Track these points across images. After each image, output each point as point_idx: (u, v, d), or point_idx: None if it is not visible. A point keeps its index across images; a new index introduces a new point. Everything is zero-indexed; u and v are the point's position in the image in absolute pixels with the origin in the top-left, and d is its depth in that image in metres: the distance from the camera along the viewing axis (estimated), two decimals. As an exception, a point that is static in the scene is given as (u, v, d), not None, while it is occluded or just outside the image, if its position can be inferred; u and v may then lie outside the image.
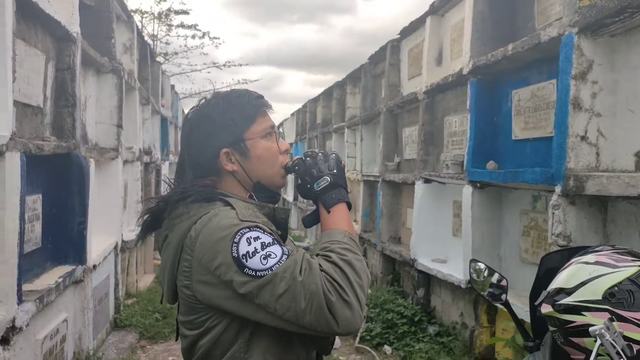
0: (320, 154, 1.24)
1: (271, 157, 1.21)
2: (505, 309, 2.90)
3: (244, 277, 1.01)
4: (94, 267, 3.90)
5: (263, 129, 1.20)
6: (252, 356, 1.09)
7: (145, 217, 1.21)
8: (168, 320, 4.92)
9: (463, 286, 3.94)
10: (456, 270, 4.12)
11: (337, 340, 4.59)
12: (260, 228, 1.06)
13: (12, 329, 2.44)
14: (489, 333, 3.82)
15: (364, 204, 7.01)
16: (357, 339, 4.53)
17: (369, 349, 4.32)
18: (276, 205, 1.19)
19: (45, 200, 3.32)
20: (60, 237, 3.48)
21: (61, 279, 3.17)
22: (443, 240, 4.74)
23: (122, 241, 5.07)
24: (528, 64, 3.32)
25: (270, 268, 1.01)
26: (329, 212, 1.18)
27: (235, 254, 1.02)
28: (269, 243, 1.04)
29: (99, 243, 4.22)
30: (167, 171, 8.94)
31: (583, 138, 2.52)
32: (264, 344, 1.09)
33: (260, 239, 1.04)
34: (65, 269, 3.40)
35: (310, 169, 1.21)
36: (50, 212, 3.39)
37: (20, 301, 2.53)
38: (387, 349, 4.36)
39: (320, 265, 1.04)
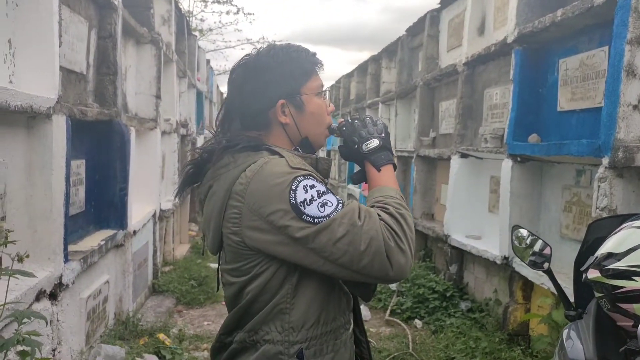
0: (368, 118, 1.27)
1: (322, 115, 1.23)
2: (542, 285, 2.84)
3: (301, 224, 1.04)
4: (134, 232, 4.03)
5: (317, 86, 1.22)
6: (297, 302, 1.11)
7: (188, 168, 1.21)
8: (203, 288, 5.07)
9: (498, 262, 3.87)
10: (492, 247, 4.05)
11: (368, 312, 4.62)
12: (313, 177, 1.09)
13: (59, 285, 2.56)
14: (524, 310, 3.75)
15: (398, 180, 6.85)
16: (388, 311, 4.55)
17: (400, 322, 4.34)
18: (318, 156, 1.21)
19: (88, 165, 3.43)
20: (103, 202, 3.60)
21: (103, 242, 3.29)
22: (478, 217, 4.65)
23: (160, 210, 5.22)
24: (578, 31, 3.15)
25: (328, 215, 1.04)
26: (379, 171, 1.21)
27: (293, 201, 1.04)
28: (324, 191, 1.07)
29: (139, 210, 4.34)
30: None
31: (635, 107, 2.39)
32: (310, 290, 1.12)
33: (315, 187, 1.06)
34: (107, 232, 3.53)
35: (359, 131, 1.24)
36: (93, 178, 3.51)
37: (66, 260, 2.64)
38: (418, 322, 4.36)
39: (378, 214, 1.08)
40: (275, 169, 1.08)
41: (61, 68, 2.80)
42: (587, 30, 3.09)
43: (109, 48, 3.59)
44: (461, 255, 4.77)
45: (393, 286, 4.92)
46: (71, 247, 2.97)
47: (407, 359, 3.63)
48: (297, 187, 1.05)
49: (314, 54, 1.23)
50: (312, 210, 1.04)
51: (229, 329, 1.18)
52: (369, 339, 1.37)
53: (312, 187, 1.06)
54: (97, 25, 3.55)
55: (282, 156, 1.12)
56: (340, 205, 1.06)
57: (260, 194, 1.06)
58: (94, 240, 3.33)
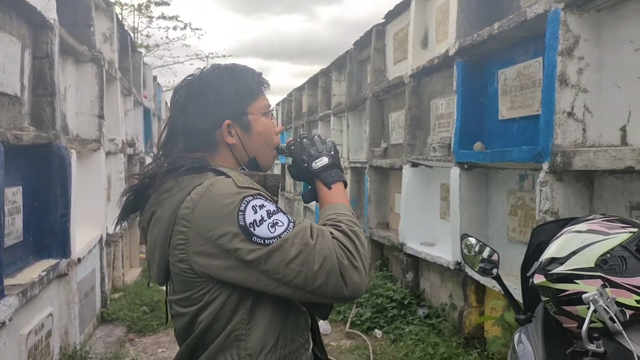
0: (317, 136, 1.27)
1: (269, 135, 1.22)
2: (494, 287, 2.92)
3: (251, 246, 1.01)
4: (79, 260, 3.83)
5: (264, 106, 1.21)
6: (253, 327, 1.07)
7: (128, 195, 1.16)
8: (156, 313, 4.87)
9: (452, 267, 3.96)
10: (444, 253, 4.14)
11: (328, 326, 4.59)
12: (262, 196, 1.06)
13: (-5, 323, 2.38)
14: (478, 313, 3.85)
15: (352, 190, 7.00)
16: (348, 324, 4.54)
17: (360, 333, 4.33)
18: (266, 173, 1.19)
19: (25, 192, 3.23)
20: (43, 230, 3.40)
21: (45, 273, 3.10)
22: (431, 224, 4.75)
23: (107, 234, 4.99)
24: (514, 43, 3.31)
25: (279, 235, 1.02)
26: (329, 188, 1.20)
27: (242, 222, 1.01)
28: (274, 211, 1.04)
29: (84, 236, 4.14)
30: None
31: (570, 114, 2.52)
32: (266, 313, 1.08)
33: (265, 206, 1.04)
34: (49, 262, 3.33)
35: (308, 149, 1.23)
36: (31, 205, 3.31)
37: (2, 295, 2.46)
38: (378, 332, 4.37)
39: (331, 232, 1.06)
40: (223, 189, 1.05)
41: (-9, 90, 2.63)
42: (522, 42, 3.25)
43: (45, 68, 3.42)
44: (416, 263, 4.85)
45: (352, 298, 4.92)
46: (8, 281, 2.77)
47: (368, 371, 3.62)
48: (245, 207, 1.02)
49: (260, 74, 1.22)
50: (262, 231, 1.01)
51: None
52: (329, 357, 1.34)
53: (261, 207, 1.03)
54: (32, 45, 3.37)
55: (228, 176, 1.08)
56: (291, 224, 1.04)
57: (207, 217, 1.02)
58: (34, 271, 3.13)
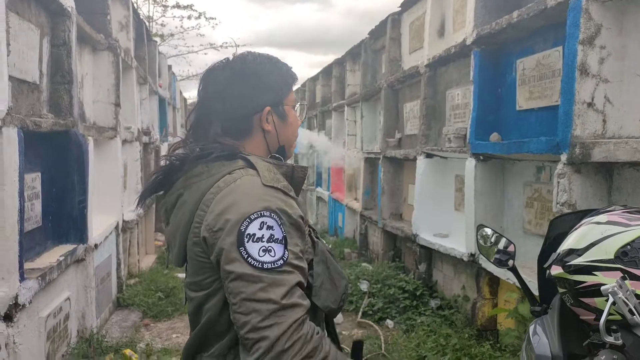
0: None
1: (297, 127, 1.27)
2: (508, 280, 2.90)
3: (234, 254, 1.00)
4: (96, 246, 3.89)
5: (295, 100, 1.25)
6: None
7: (156, 175, 1.18)
8: (171, 299, 4.94)
9: (465, 259, 3.94)
10: (458, 244, 4.12)
11: (340, 315, 4.61)
12: (279, 216, 1.03)
13: (15, 306, 2.44)
14: (491, 305, 3.83)
15: (365, 181, 6.99)
16: (360, 313, 4.56)
17: (372, 323, 4.35)
18: (295, 164, 1.20)
19: (44, 178, 3.29)
20: (61, 216, 3.46)
21: (63, 258, 3.16)
22: (445, 215, 4.72)
23: (123, 221, 5.06)
24: (533, 32, 3.25)
25: (262, 264, 0.99)
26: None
27: (242, 228, 1.00)
28: (277, 239, 1.02)
29: (100, 223, 4.20)
30: (166, 152, 8.86)
31: (590, 105, 2.47)
32: None
33: (272, 229, 1.02)
34: (67, 247, 3.39)
35: None
36: (50, 191, 3.37)
37: (22, 278, 2.52)
38: (389, 323, 4.38)
39: (303, 323, 1.00)
40: (248, 190, 1.05)
41: (11, 78, 2.67)
42: (542, 31, 3.18)
43: (63, 56, 3.46)
44: (429, 254, 4.83)
45: (364, 287, 4.94)
46: (28, 265, 2.84)
47: (380, 361, 3.64)
48: (255, 218, 1.01)
49: (291, 68, 1.26)
50: (251, 247, 1.00)
51: (192, 351, 1.14)
52: (342, 346, 1.35)
53: (269, 227, 1.01)
54: (50, 33, 3.41)
55: (255, 169, 1.09)
56: (280, 261, 1.00)
57: (221, 206, 1.04)
58: (53, 256, 3.19)
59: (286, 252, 1.02)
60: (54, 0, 3.21)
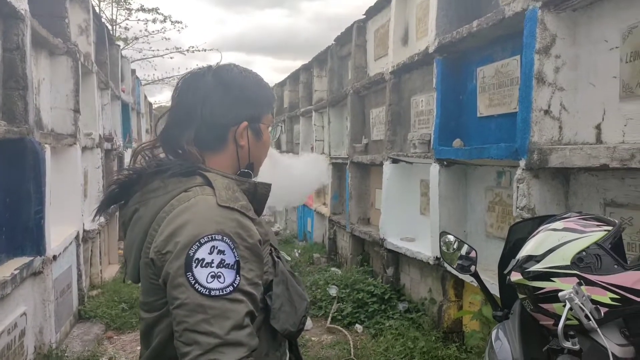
0: None
1: (266, 147, 1.25)
2: (472, 282, 2.95)
3: (181, 279, 0.95)
4: (54, 257, 3.73)
5: (270, 120, 1.24)
6: None
7: (113, 188, 1.13)
8: (135, 310, 4.80)
9: (431, 263, 4.00)
10: (424, 248, 4.18)
11: (309, 322, 4.59)
12: (232, 240, 0.98)
13: (-35, 323, 2.31)
14: (457, 307, 3.90)
15: (333, 186, 7.01)
16: (329, 319, 4.55)
17: (341, 329, 4.35)
18: (257, 181, 1.16)
19: (-3, 188, 3.14)
20: (16, 227, 3.31)
21: (17, 271, 3.02)
22: (411, 220, 4.79)
23: (84, 231, 4.89)
24: (492, 41, 3.34)
25: (209, 290, 0.94)
26: None
27: (191, 252, 0.95)
28: (228, 264, 0.96)
29: (59, 233, 4.04)
30: (129, 159, 8.64)
31: (546, 112, 2.56)
32: None
33: (223, 254, 0.96)
34: (23, 260, 3.24)
35: None
36: (3, 201, 3.22)
37: (-28, 294, 2.39)
38: (358, 327, 4.40)
39: None
40: (202, 213, 1.00)
41: (-41, 83, 2.54)
42: (501, 40, 3.28)
43: (16, 61, 3.31)
44: (397, 258, 4.88)
45: (333, 292, 4.95)
46: (-21, 280, 2.70)
47: (349, 366, 3.64)
48: (205, 242, 0.96)
49: (272, 88, 1.27)
50: (199, 273, 0.94)
51: None
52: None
53: (220, 252, 0.96)
54: (2, 37, 3.26)
55: (213, 188, 1.05)
56: (230, 288, 0.95)
57: (171, 227, 1.00)
58: (7, 269, 3.04)
59: (237, 278, 0.97)
60: (5, 3, 3.08)
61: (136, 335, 4.42)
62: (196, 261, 0.95)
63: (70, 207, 4.50)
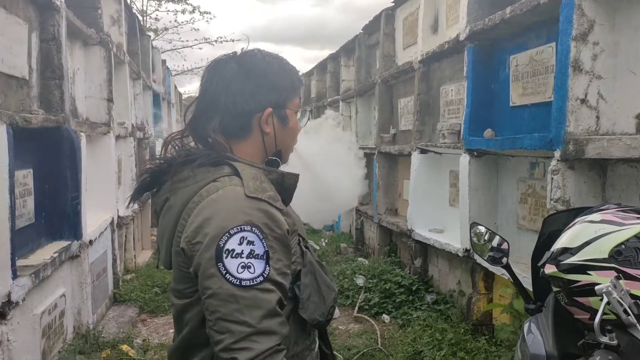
0: None
1: (295, 133, 1.22)
2: (503, 275, 2.90)
3: (212, 269, 0.97)
4: (90, 242, 3.87)
5: (297, 105, 1.21)
6: None
7: (144, 177, 1.15)
8: (167, 295, 4.93)
9: (460, 255, 3.95)
10: (453, 240, 4.13)
11: (337, 310, 4.62)
12: (261, 230, 0.99)
13: (8, 303, 2.42)
14: (487, 300, 3.85)
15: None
16: (356, 308, 4.57)
17: (368, 318, 4.36)
18: (285, 171, 1.15)
19: (36, 175, 3.26)
20: (54, 212, 3.44)
21: (57, 254, 3.14)
22: (440, 211, 4.73)
23: (119, 217, 5.04)
24: (526, 28, 3.24)
25: (240, 280, 0.96)
26: None
27: (221, 243, 0.97)
28: (258, 255, 0.98)
29: (95, 219, 4.18)
30: (160, 148, 8.81)
31: (583, 101, 2.47)
32: None
33: (253, 244, 0.98)
34: (61, 244, 3.37)
35: None
36: (42, 188, 3.34)
37: (15, 276, 2.50)
38: (385, 317, 4.40)
39: (277, 354, 0.96)
40: (229, 202, 1.01)
41: None
42: (535, 27, 3.18)
43: (52, 51, 3.42)
44: (425, 249, 4.85)
45: (360, 282, 4.96)
46: (21, 262, 2.82)
47: (376, 355, 3.65)
48: (235, 233, 0.97)
49: (299, 72, 1.24)
50: (229, 264, 0.96)
51: (177, 358, 1.12)
52: (334, 352, 1.34)
53: (249, 243, 0.97)
54: (39, 28, 3.36)
55: (241, 178, 1.05)
56: (260, 278, 0.96)
57: (201, 217, 1.01)
58: (47, 252, 3.17)
59: (267, 268, 0.98)
60: (43, -6, 3.17)
61: (168, 319, 4.55)
62: (226, 252, 0.96)
63: (105, 194, 4.64)
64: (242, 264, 0.96)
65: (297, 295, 1.08)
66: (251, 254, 0.97)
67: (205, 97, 1.16)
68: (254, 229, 0.98)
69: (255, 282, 0.96)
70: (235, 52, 1.18)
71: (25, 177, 3.10)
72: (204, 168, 1.08)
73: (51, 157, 3.39)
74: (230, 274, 0.96)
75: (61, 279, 3.32)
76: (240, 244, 0.97)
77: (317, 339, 1.20)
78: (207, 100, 1.15)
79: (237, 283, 0.95)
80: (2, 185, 2.39)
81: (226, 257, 0.96)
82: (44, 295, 3.00)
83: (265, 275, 0.97)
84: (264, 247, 0.99)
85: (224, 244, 0.97)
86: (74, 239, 3.49)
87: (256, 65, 1.14)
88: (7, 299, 2.40)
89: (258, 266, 0.97)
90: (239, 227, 0.98)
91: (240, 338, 0.94)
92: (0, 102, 2.40)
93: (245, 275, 0.96)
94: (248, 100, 1.12)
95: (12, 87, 2.99)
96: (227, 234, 0.97)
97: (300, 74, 1.28)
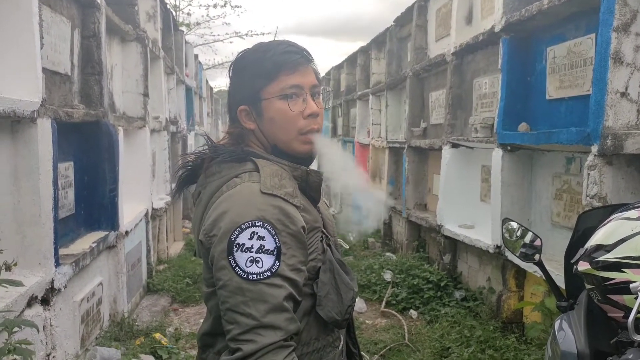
0: None
1: (285, 121, 1.11)
2: (535, 272, 2.85)
3: (223, 261, 1.00)
4: (126, 233, 4.00)
5: (280, 89, 1.10)
6: None
7: (183, 171, 1.20)
8: (198, 285, 5.06)
9: (491, 251, 3.89)
10: (484, 236, 4.07)
11: (364, 304, 4.64)
12: (273, 226, 1.01)
13: (51, 290, 2.54)
14: (517, 298, 3.79)
15: (389, 171, 6.95)
16: (383, 303, 4.57)
17: (395, 313, 4.36)
18: (309, 168, 1.15)
19: (76, 167, 3.39)
20: (93, 203, 3.57)
21: (95, 244, 3.27)
22: (470, 206, 4.67)
23: (153, 209, 5.18)
24: (564, 19, 3.15)
25: (247, 274, 0.98)
26: None
27: (232, 237, 1.00)
28: (267, 250, 1.00)
29: (130, 210, 4.31)
30: (193, 142, 9.02)
31: (623, 94, 2.39)
32: None
33: (263, 239, 1.00)
34: (99, 234, 3.50)
35: None
36: (82, 180, 3.48)
37: (57, 264, 2.62)
38: (413, 313, 4.38)
39: (281, 349, 0.97)
40: (244, 198, 1.03)
41: (45, 70, 2.76)
42: (573, 18, 3.08)
43: (93, 47, 3.54)
44: (454, 245, 4.79)
45: (388, 277, 4.95)
46: (62, 251, 2.94)
47: (403, 350, 3.65)
48: (246, 228, 1.00)
49: (286, 51, 1.11)
50: (239, 257, 0.99)
51: (202, 344, 1.16)
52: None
53: (260, 238, 0.99)
54: (80, 25, 3.49)
55: (259, 174, 1.07)
56: (267, 273, 0.98)
57: (217, 212, 1.04)
58: (86, 242, 3.30)
59: (277, 263, 1.00)
60: (84, -7, 3.28)
61: (199, 309, 4.67)
62: (237, 246, 0.99)
63: (140, 186, 4.78)
64: (251, 258, 0.99)
65: (314, 293, 1.09)
66: (260, 249, 0.99)
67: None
68: (265, 224, 1.00)
69: (262, 277, 0.98)
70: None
71: (67, 169, 3.23)
72: (229, 164, 1.11)
73: (90, 150, 3.52)
74: (239, 267, 0.99)
75: (99, 268, 3.45)
76: (251, 238, 0.99)
77: (342, 337, 1.19)
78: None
79: (245, 276, 0.98)
80: (47, 177, 2.50)
81: (236, 251, 0.99)
82: (83, 283, 3.13)
83: (274, 270, 0.99)
84: (276, 242, 1.00)
85: (235, 238, 1.00)
86: (111, 229, 3.62)
87: (237, 63, 1.16)
88: (50, 286, 2.52)
89: (267, 261, 0.99)
90: (250, 222, 1.00)
91: (246, 330, 0.97)
92: (45, 98, 2.51)
93: (253, 269, 0.98)
94: (232, 100, 1.17)
95: (56, 82, 3.11)
96: (238, 229, 1.00)
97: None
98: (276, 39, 1.21)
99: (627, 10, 2.36)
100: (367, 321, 4.28)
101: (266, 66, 1.10)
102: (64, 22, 3.19)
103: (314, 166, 1.24)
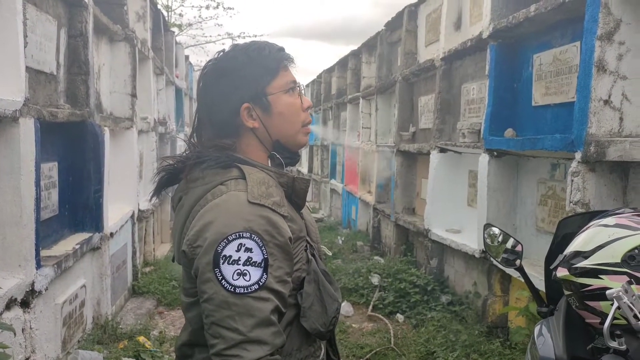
0: None
1: (293, 114, 1.14)
2: (519, 277, 2.87)
3: (209, 274, 0.97)
4: (111, 234, 3.96)
5: (285, 83, 1.13)
6: None
7: (162, 174, 1.16)
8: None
9: (477, 256, 3.91)
10: (470, 240, 4.09)
11: (350, 308, 4.63)
12: (261, 238, 0.99)
13: (32, 292, 2.50)
14: (502, 302, 3.81)
15: (379, 174, 6.97)
16: (370, 307, 4.57)
17: (382, 317, 4.36)
18: (296, 175, 1.13)
19: (61, 168, 3.35)
20: (77, 204, 3.53)
21: (79, 246, 3.23)
22: (457, 211, 4.69)
23: (139, 210, 5.14)
24: (551, 26, 3.18)
25: (234, 288, 0.96)
26: None
27: (219, 249, 0.97)
28: (255, 262, 0.97)
29: (116, 212, 4.27)
30: (182, 143, 8.95)
31: (606, 102, 2.42)
32: None
33: (251, 251, 0.97)
34: (83, 236, 3.46)
35: None
36: (66, 180, 3.44)
37: (38, 266, 2.58)
38: (400, 317, 4.39)
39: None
40: (231, 207, 1.00)
41: (29, 69, 2.72)
42: (560, 26, 3.12)
43: (80, 47, 3.51)
44: (441, 249, 4.81)
45: (375, 281, 4.95)
46: (45, 252, 2.91)
47: (389, 354, 3.65)
48: (233, 240, 0.97)
49: (280, 49, 1.15)
50: (225, 270, 0.96)
51: (181, 354, 1.13)
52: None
53: (247, 250, 0.97)
54: (67, 24, 3.46)
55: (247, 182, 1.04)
56: (255, 287, 0.96)
57: (202, 222, 1.01)
58: (69, 244, 3.26)
59: (264, 276, 0.97)
60: (71, -8, 3.25)
61: (185, 312, 4.63)
62: (223, 258, 0.96)
63: (126, 187, 4.73)
64: (238, 270, 0.96)
65: (298, 304, 1.07)
66: (248, 261, 0.97)
67: (197, 106, 1.18)
68: (253, 235, 0.98)
69: (249, 290, 0.96)
70: (220, 51, 1.17)
71: (51, 169, 3.19)
72: (214, 170, 1.08)
73: (76, 151, 3.48)
74: (225, 280, 0.96)
75: (82, 270, 3.41)
76: (238, 250, 0.97)
77: (323, 346, 1.18)
78: (198, 109, 1.17)
79: (232, 290, 0.95)
80: (29, 177, 2.47)
81: (223, 263, 0.96)
82: (66, 285, 3.09)
83: (262, 284, 0.97)
84: (263, 254, 0.98)
85: (222, 249, 0.97)
86: (95, 231, 3.58)
87: (222, 67, 1.12)
88: (30, 288, 2.48)
89: (254, 274, 0.97)
90: (237, 234, 0.97)
91: (231, 345, 0.94)
92: (28, 97, 2.48)
93: (240, 282, 0.96)
94: (223, 106, 1.11)
95: (41, 82, 3.08)
96: (225, 240, 0.97)
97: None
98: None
99: (611, 19, 2.40)
100: (353, 325, 4.28)
101: (269, 63, 1.12)
102: (50, 21, 3.16)
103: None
